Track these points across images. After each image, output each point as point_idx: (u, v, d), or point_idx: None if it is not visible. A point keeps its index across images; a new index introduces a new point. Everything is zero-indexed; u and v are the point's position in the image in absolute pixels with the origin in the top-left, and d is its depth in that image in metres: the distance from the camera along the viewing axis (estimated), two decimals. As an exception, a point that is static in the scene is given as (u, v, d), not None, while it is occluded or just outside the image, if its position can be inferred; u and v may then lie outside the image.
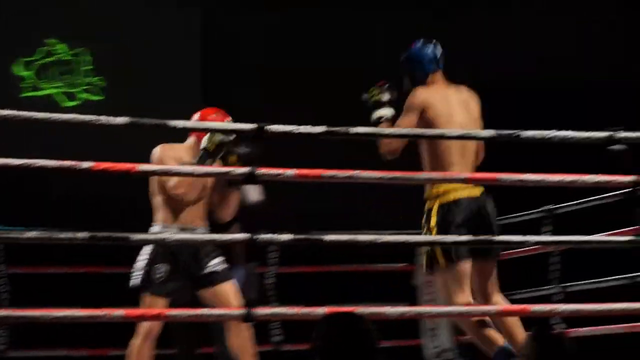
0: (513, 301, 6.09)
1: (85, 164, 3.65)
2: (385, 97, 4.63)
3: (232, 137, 4.45)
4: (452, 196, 4.46)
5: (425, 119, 4.54)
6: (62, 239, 3.56)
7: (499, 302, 4.44)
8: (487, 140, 4.13)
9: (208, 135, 4.47)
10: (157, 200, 4.72)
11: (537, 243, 4.34)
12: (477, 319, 4.30)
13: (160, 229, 4.59)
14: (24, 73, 8.32)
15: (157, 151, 4.68)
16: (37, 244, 3.68)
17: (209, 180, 4.65)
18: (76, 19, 8.46)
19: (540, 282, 6.38)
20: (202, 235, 3.91)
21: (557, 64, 9.49)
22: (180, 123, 3.83)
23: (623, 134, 4.12)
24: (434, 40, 4.73)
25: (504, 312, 3.98)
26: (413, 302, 6.54)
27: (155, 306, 4.55)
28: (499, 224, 4.55)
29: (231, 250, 5.02)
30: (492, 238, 4.06)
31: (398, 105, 4.67)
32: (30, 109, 3.72)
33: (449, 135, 4.33)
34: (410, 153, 4.66)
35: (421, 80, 4.68)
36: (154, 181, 4.69)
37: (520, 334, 4.35)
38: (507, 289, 4.95)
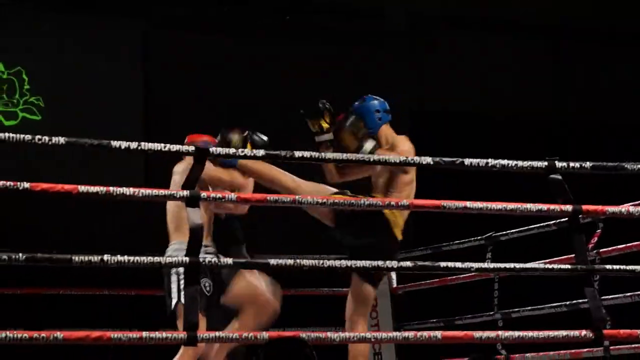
0: (456, 327, 6.14)
1: (24, 184, 3.59)
2: (327, 120, 5.00)
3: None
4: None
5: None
6: (-1, 259, 3.49)
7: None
8: (430, 167, 4.16)
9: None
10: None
11: (478, 270, 4.35)
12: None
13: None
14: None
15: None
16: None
17: None
18: (13, 37, 8.35)
19: (480, 309, 6.43)
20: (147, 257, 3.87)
21: (495, 97, 9.66)
22: (121, 144, 3.80)
23: (561, 164, 4.19)
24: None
25: (447, 339, 3.99)
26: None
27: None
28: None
29: None
30: (435, 264, 4.08)
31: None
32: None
33: (392, 161, 4.37)
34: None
35: (372, 128, 5.05)
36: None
37: None
38: (449, 314, 5.00)
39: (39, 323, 4.08)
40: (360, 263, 4.11)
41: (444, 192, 5.21)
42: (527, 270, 4.22)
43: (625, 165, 4.25)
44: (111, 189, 3.70)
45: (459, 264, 4.11)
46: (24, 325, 3.79)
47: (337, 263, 4.06)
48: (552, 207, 4.16)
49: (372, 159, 4.23)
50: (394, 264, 4.20)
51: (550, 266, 4.48)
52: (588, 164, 4.24)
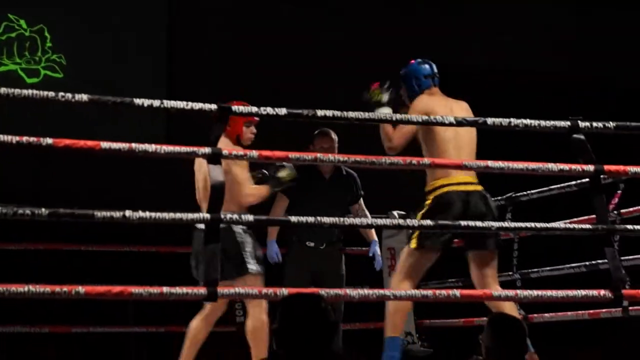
0: (474, 286, 6.14)
1: (47, 140, 3.60)
2: (385, 97, 4.85)
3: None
4: (442, 190, 4.74)
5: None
6: (22, 215, 3.52)
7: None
8: (453, 126, 4.15)
9: (287, 170, 4.95)
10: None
11: (499, 229, 4.36)
12: (403, 306, 4.71)
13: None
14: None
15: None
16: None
17: None
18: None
19: (498, 269, 6.43)
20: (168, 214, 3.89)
21: (521, 55, 9.58)
22: (144, 101, 3.80)
23: (584, 124, 4.17)
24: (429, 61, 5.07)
25: (466, 297, 4.00)
26: (377, 285, 6.56)
27: (259, 284, 4.82)
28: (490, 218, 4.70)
29: None
30: (455, 223, 4.08)
31: (395, 108, 4.90)
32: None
33: (415, 120, 4.37)
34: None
35: (411, 95, 4.98)
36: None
37: None
38: (467, 274, 5.00)
39: (62, 278, 4.11)
40: (381, 221, 4.12)
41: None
42: (548, 230, 4.22)
43: (650, 126, 4.24)
44: (133, 145, 3.71)
45: (479, 223, 4.12)
46: (47, 280, 3.82)
47: (357, 221, 4.08)
48: (573, 167, 4.14)
49: (395, 118, 4.22)
50: (414, 222, 4.21)
51: (570, 226, 4.48)
52: (611, 124, 4.22)
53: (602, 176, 4.17)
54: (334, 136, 5.91)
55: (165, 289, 3.66)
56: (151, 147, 3.74)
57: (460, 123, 4.15)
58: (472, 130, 4.86)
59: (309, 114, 3.97)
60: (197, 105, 3.88)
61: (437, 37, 9.13)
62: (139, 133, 7.66)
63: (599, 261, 5.42)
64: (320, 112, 3.96)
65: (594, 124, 4.19)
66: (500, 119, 4.18)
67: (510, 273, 6.23)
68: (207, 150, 3.83)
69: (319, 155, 4.10)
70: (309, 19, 9.03)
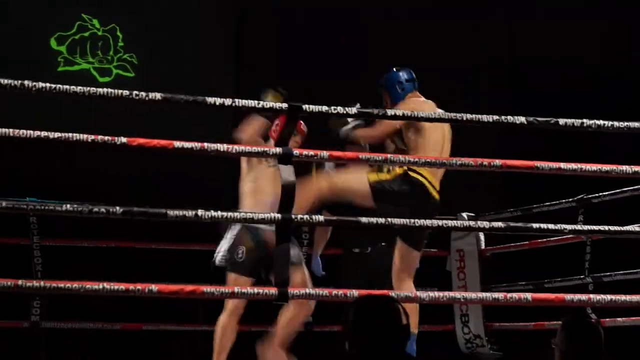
0: (545, 290, 6.08)
1: (122, 139, 3.64)
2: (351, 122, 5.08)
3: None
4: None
5: (413, 125, 4.93)
6: (97, 212, 3.56)
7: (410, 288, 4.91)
8: (524, 127, 4.08)
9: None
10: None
11: (572, 232, 4.30)
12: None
13: None
14: (59, 48, 8.33)
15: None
16: (70, 218, 3.69)
17: None
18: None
19: (568, 272, 6.35)
20: (240, 213, 3.92)
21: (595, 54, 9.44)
22: (216, 100, 3.82)
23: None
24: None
25: (537, 301, 3.95)
26: (446, 287, 6.53)
27: (238, 284, 4.85)
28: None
29: None
30: (528, 225, 4.03)
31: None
32: (67, 83, 3.71)
33: (485, 120, 4.31)
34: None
35: (395, 100, 5.11)
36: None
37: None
38: (537, 277, 4.95)
39: (131, 276, 4.16)
40: (451, 223, 4.09)
41: (521, 153, 5.14)
42: (622, 233, 4.15)
43: None
44: (205, 144, 3.73)
45: (551, 226, 4.06)
46: (117, 278, 3.87)
47: (428, 222, 4.05)
48: (649, 169, 4.07)
49: (448, 117, 4.16)
50: (485, 224, 4.16)
51: (645, 230, 4.40)
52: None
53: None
54: None
55: (236, 289, 3.68)
56: (222, 147, 3.76)
57: (531, 123, 4.08)
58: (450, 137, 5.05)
59: (379, 113, 3.96)
60: (268, 104, 3.89)
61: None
62: (206, 129, 7.76)
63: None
64: (390, 112, 3.96)
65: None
66: (573, 120, 4.12)
67: (582, 277, 6.15)
68: (278, 150, 3.84)
69: (389, 156, 4.08)
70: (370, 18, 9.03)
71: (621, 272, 5.97)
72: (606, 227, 4.08)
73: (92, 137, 3.59)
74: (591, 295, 4.19)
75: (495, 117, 4.27)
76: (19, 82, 3.51)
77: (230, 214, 3.73)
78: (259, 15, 8.89)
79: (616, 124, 4.12)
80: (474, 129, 4.68)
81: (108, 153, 7.41)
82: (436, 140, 4.97)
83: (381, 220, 3.84)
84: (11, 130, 3.49)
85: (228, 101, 3.83)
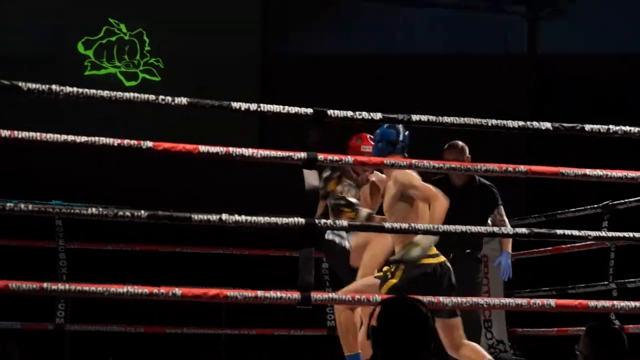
0: (568, 296, 6.04)
1: (147, 143, 3.66)
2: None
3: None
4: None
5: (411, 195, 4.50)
6: (122, 216, 3.58)
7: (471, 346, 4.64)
8: (550, 133, 4.08)
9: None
10: None
11: (596, 238, 4.28)
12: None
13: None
14: (86, 52, 8.39)
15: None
16: (95, 221, 3.72)
17: None
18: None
19: (591, 278, 6.32)
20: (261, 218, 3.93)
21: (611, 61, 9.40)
22: (241, 105, 3.84)
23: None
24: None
25: (561, 307, 3.94)
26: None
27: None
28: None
29: None
30: (552, 231, 4.02)
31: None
32: (94, 87, 3.73)
33: (511, 126, 4.31)
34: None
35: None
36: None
37: None
38: (560, 283, 4.93)
39: (152, 279, 4.18)
40: (474, 229, 4.08)
41: (543, 158, 5.12)
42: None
43: None
44: (230, 149, 3.75)
45: (576, 232, 4.05)
46: (141, 281, 3.89)
47: (451, 228, 4.04)
48: (675, 176, 4.05)
49: (474, 123, 4.12)
50: (509, 230, 4.16)
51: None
52: None
53: None
54: (461, 147, 5.70)
55: (259, 293, 3.69)
56: (248, 151, 3.78)
57: (557, 129, 4.07)
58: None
59: (404, 119, 3.96)
60: (293, 109, 3.90)
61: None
62: (232, 134, 7.78)
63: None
64: (415, 117, 3.95)
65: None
66: (599, 126, 4.10)
67: (607, 283, 6.12)
68: (302, 155, 3.85)
69: (413, 161, 4.08)
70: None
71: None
72: (631, 234, 4.06)
73: (119, 141, 3.62)
74: (615, 302, 4.17)
75: (521, 123, 4.26)
76: (47, 86, 3.54)
77: (254, 218, 3.74)
78: (283, 19, 8.91)
79: (641, 130, 4.11)
80: (500, 134, 4.67)
81: (134, 157, 7.46)
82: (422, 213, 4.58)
83: (404, 225, 3.84)
84: (38, 134, 3.52)
85: (253, 106, 3.85)
